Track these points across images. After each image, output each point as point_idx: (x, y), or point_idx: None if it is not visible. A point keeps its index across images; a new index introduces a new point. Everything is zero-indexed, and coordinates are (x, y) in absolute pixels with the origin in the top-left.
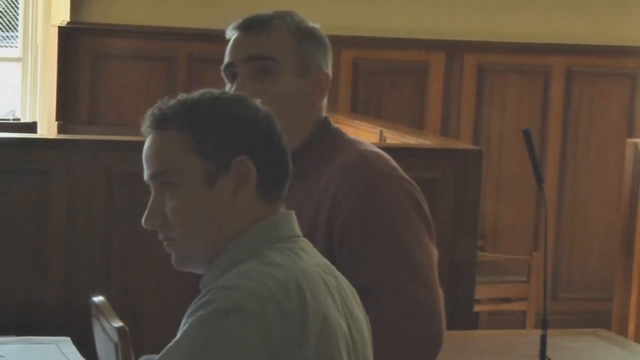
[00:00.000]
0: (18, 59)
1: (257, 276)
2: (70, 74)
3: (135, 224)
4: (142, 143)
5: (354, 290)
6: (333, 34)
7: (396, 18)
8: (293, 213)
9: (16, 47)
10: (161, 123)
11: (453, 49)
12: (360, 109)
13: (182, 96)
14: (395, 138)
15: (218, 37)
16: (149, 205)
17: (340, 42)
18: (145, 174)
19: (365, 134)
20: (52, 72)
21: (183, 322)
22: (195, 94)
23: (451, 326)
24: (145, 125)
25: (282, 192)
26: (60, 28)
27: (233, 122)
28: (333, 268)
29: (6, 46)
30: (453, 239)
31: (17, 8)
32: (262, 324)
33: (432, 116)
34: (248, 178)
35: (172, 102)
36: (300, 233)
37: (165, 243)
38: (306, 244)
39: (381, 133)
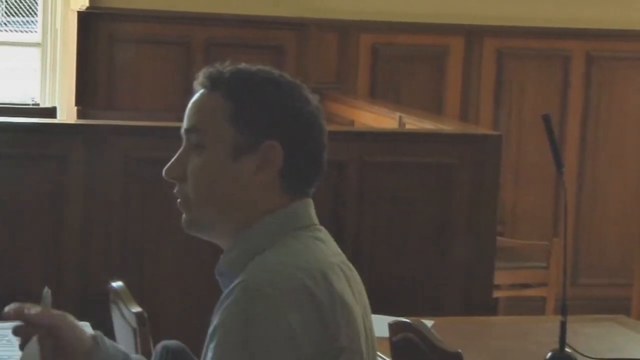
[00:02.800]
0: (37, 44)
1: (280, 267)
2: (89, 59)
3: (152, 209)
4: (159, 129)
5: (362, 285)
6: (352, 18)
7: (415, 2)
8: (311, 201)
9: (36, 32)
10: (212, 83)
11: (472, 34)
12: (379, 94)
13: (242, 65)
14: (414, 123)
15: (234, 22)
16: (175, 156)
17: (359, 27)
18: (183, 127)
19: (384, 119)
20: (71, 57)
21: (213, 319)
22: (255, 67)
23: (471, 312)
24: (199, 80)
25: (307, 189)
26: (79, 13)
27: (277, 106)
28: (347, 261)
29: (26, 31)
30: (472, 224)
31: None
32: (299, 313)
33: (451, 101)
34: (273, 164)
35: (230, 66)
36: (317, 220)
37: (178, 200)
38: (323, 233)
39: (400, 118)
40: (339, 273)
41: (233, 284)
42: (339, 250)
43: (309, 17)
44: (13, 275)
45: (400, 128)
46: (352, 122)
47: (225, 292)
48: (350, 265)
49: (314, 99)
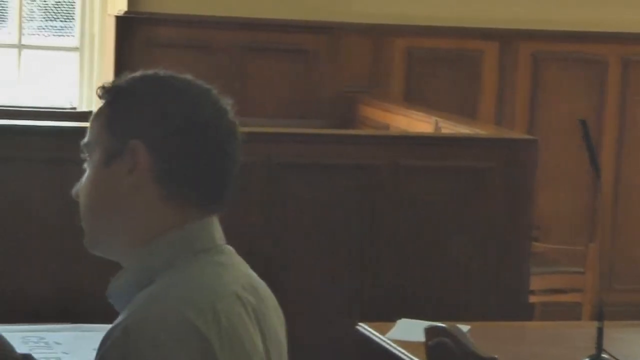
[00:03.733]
0: (75, 49)
1: (167, 304)
2: (126, 63)
3: None
4: None
5: (276, 305)
6: (386, 22)
7: (450, 6)
8: (214, 220)
9: (73, 36)
10: (102, 93)
11: (507, 38)
12: (413, 99)
13: (140, 72)
14: (450, 127)
15: (267, 26)
16: None
17: (394, 31)
18: None
19: (419, 124)
20: (108, 61)
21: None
22: (149, 72)
23: (506, 317)
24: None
25: (205, 203)
26: (117, 17)
27: (148, 106)
28: (254, 280)
29: (64, 35)
30: (507, 229)
31: None
32: (185, 355)
33: (486, 106)
34: (140, 166)
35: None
36: (222, 241)
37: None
38: (226, 255)
39: (436, 123)
40: (236, 303)
41: (114, 324)
42: (244, 272)
43: (343, 21)
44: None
45: (436, 132)
46: (386, 127)
47: (106, 333)
48: (257, 285)
49: (216, 104)
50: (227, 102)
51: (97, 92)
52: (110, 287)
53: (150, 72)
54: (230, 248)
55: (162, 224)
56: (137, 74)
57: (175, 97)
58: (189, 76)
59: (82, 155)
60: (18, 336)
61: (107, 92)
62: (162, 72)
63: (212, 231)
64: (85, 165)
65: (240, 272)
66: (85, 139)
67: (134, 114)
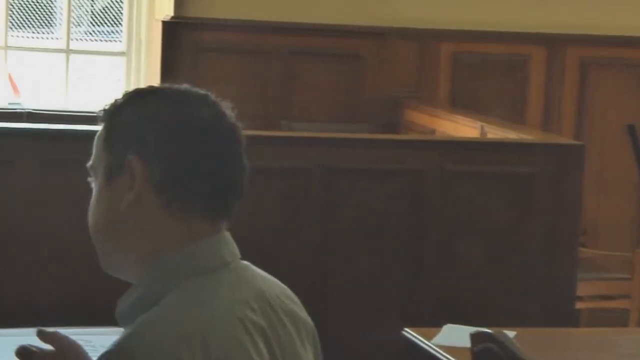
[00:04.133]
0: (122, 53)
1: (156, 333)
2: (172, 68)
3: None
4: (256, 137)
5: (298, 318)
6: (432, 27)
7: (496, 11)
8: (222, 236)
9: (120, 41)
10: (100, 116)
11: (554, 43)
12: (458, 103)
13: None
14: (496, 132)
15: (314, 31)
16: None
17: (439, 36)
18: None
19: (465, 129)
20: (155, 66)
21: None
22: (138, 88)
23: (553, 324)
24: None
25: (203, 206)
26: (164, 22)
27: (139, 119)
28: (272, 296)
29: (111, 40)
30: (553, 234)
31: (122, 3)
32: None
33: (533, 110)
34: (138, 181)
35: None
36: (232, 258)
37: None
38: (233, 274)
39: (482, 127)
40: (236, 328)
41: (102, 352)
42: (263, 287)
43: (389, 25)
44: None
45: (482, 137)
46: (432, 131)
47: (98, 357)
48: (277, 301)
49: (213, 110)
50: (226, 107)
51: (97, 114)
52: (118, 306)
53: (144, 87)
54: (243, 264)
55: (168, 238)
56: (131, 91)
57: (167, 107)
58: (184, 85)
59: (89, 179)
60: None
61: (104, 113)
62: (156, 85)
63: (219, 249)
64: (93, 187)
65: (250, 290)
66: (90, 162)
67: (127, 130)
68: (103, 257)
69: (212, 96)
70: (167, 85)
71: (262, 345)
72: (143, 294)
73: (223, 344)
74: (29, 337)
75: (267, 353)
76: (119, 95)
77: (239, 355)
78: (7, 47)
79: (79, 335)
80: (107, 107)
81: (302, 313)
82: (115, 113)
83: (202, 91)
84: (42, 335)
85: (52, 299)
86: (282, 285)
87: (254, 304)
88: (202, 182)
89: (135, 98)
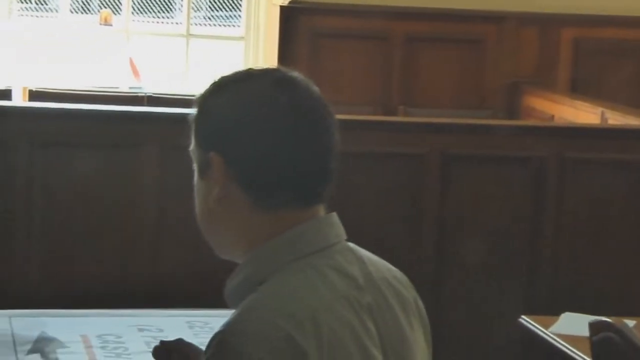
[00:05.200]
0: (241, 38)
1: (266, 313)
2: (290, 52)
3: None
4: (359, 122)
5: (411, 301)
6: (553, 12)
7: None
8: (328, 217)
9: (239, 26)
10: (194, 105)
11: None
12: (580, 89)
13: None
14: (617, 119)
15: (433, 16)
16: None
17: (560, 21)
18: None
19: (585, 115)
20: (272, 51)
21: None
22: (225, 74)
23: None
24: None
25: (294, 196)
26: (281, 7)
27: (219, 114)
28: (377, 275)
29: (229, 25)
30: None
31: None
32: None
33: None
34: (221, 178)
35: None
36: (337, 239)
37: None
38: (340, 254)
39: (602, 114)
40: (344, 307)
41: (213, 334)
42: (368, 268)
43: (509, 10)
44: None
45: (602, 124)
46: (551, 117)
47: (211, 337)
48: (383, 283)
49: (299, 93)
50: (309, 88)
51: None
52: (226, 287)
53: (230, 74)
54: (349, 245)
55: (263, 230)
56: (217, 80)
57: (251, 95)
58: (272, 68)
59: (193, 166)
60: (183, 320)
61: (195, 104)
62: (240, 72)
63: (324, 230)
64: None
65: (356, 270)
66: (190, 147)
67: (209, 126)
68: (212, 244)
69: (294, 77)
70: (253, 69)
71: (370, 324)
72: (249, 275)
73: (333, 324)
74: (153, 317)
75: (376, 332)
76: (212, 80)
77: (348, 335)
78: (129, 32)
79: (197, 317)
80: (197, 96)
81: (410, 294)
82: (201, 105)
83: (290, 73)
84: (166, 346)
85: (173, 280)
86: (390, 266)
87: (361, 283)
88: (285, 173)
89: (217, 90)
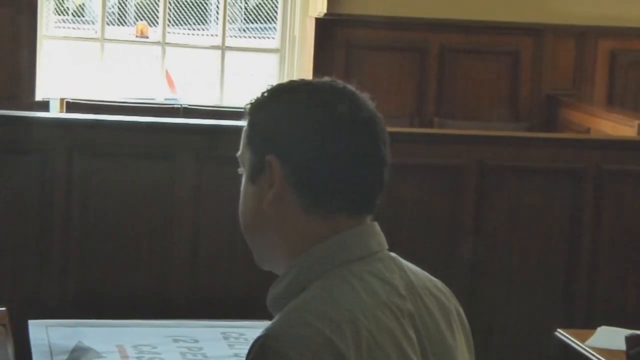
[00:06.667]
0: (276, 50)
1: (306, 317)
2: (325, 65)
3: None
4: (393, 134)
5: (448, 309)
6: (590, 24)
7: None
8: (371, 226)
9: (273, 38)
10: (246, 111)
11: None
12: (616, 102)
13: (275, 84)
14: None
15: (469, 27)
16: None
17: (597, 33)
18: None
19: (622, 128)
20: (308, 63)
21: None
22: (282, 83)
23: None
24: None
25: (344, 204)
26: (317, 19)
27: (277, 118)
28: (418, 285)
29: (264, 37)
30: None
31: (276, 0)
32: None
33: None
34: (277, 181)
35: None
36: (379, 247)
37: None
38: (384, 263)
39: (639, 126)
40: (384, 314)
41: (255, 337)
42: (409, 277)
43: (546, 22)
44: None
45: (639, 136)
46: (588, 130)
47: (252, 342)
48: (426, 290)
49: (351, 105)
50: (365, 99)
51: (244, 109)
52: (269, 294)
53: (284, 83)
54: (390, 254)
55: (311, 236)
56: (272, 86)
57: (305, 104)
58: (324, 79)
59: (239, 170)
60: (218, 331)
61: (247, 109)
62: (296, 80)
63: (366, 239)
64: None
65: (397, 278)
66: (238, 152)
67: (266, 129)
68: (256, 253)
69: (351, 88)
70: (306, 80)
71: (411, 332)
72: (292, 282)
73: (373, 329)
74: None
75: (417, 339)
76: (263, 89)
77: (388, 340)
78: (165, 44)
79: (232, 328)
80: (250, 103)
81: (452, 303)
82: (256, 110)
83: (341, 84)
84: None
85: (210, 291)
86: (431, 276)
87: (402, 291)
88: (341, 180)
89: (275, 95)
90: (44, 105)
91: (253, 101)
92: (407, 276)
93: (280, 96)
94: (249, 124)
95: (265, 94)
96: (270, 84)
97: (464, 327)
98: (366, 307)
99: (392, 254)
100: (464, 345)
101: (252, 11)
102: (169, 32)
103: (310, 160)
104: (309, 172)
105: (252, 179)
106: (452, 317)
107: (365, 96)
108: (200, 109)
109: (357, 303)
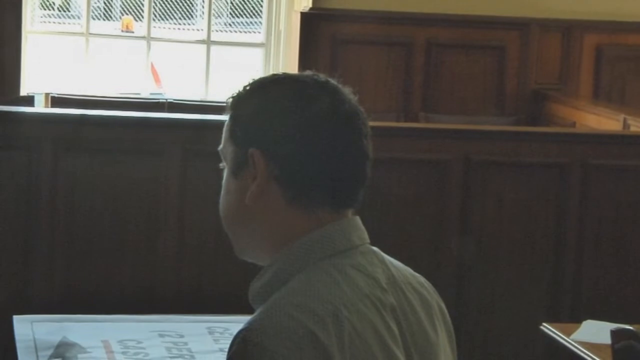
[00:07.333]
0: (261, 44)
1: (288, 310)
2: (311, 59)
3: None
4: (379, 129)
5: (429, 302)
6: (576, 18)
7: None
8: (353, 220)
9: (259, 32)
10: (227, 105)
11: None
12: (602, 96)
13: (256, 78)
14: (639, 125)
15: (455, 22)
16: None
17: (583, 27)
18: None
19: (607, 122)
20: (293, 57)
21: None
22: (263, 76)
23: None
24: None
25: (327, 198)
26: (302, 14)
27: (259, 111)
28: (400, 278)
29: (250, 32)
30: None
31: None
32: None
33: None
34: (260, 174)
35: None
36: (360, 241)
37: None
38: (365, 256)
39: (625, 120)
40: (367, 307)
41: (236, 332)
42: (387, 273)
43: (532, 17)
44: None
45: (625, 130)
46: (573, 124)
47: (233, 336)
48: (408, 285)
49: (333, 99)
50: (348, 93)
51: (225, 103)
52: (251, 288)
53: (265, 76)
54: (372, 248)
55: (293, 229)
56: (254, 80)
57: (287, 98)
58: (306, 73)
59: (220, 165)
60: (203, 326)
61: (229, 103)
62: (279, 74)
63: (348, 232)
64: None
65: (379, 272)
66: (220, 146)
67: (248, 123)
68: (235, 244)
69: (333, 82)
70: (288, 73)
71: (393, 324)
72: (274, 276)
73: (355, 321)
74: (173, 323)
75: (398, 333)
76: (244, 83)
77: (370, 332)
78: (150, 39)
79: (217, 322)
80: (232, 96)
81: (433, 298)
82: (238, 104)
83: (323, 78)
84: None
85: (195, 286)
86: (413, 271)
87: (383, 285)
88: (324, 174)
89: (257, 88)
90: (29, 100)
91: (235, 95)
92: (389, 270)
93: (262, 90)
94: (231, 118)
95: (248, 88)
96: (253, 77)
97: (446, 322)
98: (348, 299)
99: (374, 248)
100: (446, 339)
101: (238, 5)
102: (154, 27)
103: (292, 154)
104: (291, 165)
105: (234, 172)
106: (433, 312)
107: (347, 90)
108: (186, 104)
109: (339, 295)
